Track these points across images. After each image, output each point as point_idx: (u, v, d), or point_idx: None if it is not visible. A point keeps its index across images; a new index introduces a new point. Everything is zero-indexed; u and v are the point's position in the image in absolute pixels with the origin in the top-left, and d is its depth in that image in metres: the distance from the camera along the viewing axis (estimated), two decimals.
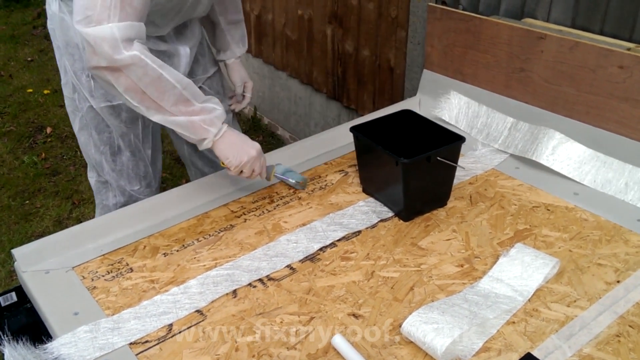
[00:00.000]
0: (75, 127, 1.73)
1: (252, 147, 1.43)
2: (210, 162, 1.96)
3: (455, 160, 1.42)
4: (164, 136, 3.45)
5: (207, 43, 1.86)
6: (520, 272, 1.20)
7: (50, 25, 1.60)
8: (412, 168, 1.34)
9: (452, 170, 1.43)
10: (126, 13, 1.25)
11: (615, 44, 1.57)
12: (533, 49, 1.64)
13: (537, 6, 1.81)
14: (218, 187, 1.55)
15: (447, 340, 1.02)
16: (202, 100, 1.38)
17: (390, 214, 1.43)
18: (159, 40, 1.59)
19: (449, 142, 1.41)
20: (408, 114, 1.58)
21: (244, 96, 1.91)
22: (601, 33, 1.67)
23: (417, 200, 1.40)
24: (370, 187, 1.51)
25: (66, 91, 1.66)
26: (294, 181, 1.54)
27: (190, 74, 1.76)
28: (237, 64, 1.90)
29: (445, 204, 1.46)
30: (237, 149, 1.41)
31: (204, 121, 1.37)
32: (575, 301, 1.16)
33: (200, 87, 1.81)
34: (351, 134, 1.49)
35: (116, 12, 1.24)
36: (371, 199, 1.49)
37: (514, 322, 1.11)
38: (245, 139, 1.45)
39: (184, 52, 1.64)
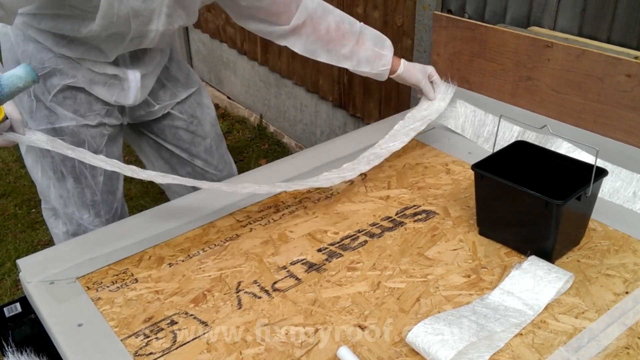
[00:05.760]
0: (22, 149, 1.65)
1: None
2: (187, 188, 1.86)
3: (596, 195, 1.32)
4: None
5: (180, 67, 1.76)
6: (532, 286, 1.19)
7: None
8: (563, 209, 1.22)
9: (592, 207, 1.34)
10: None
11: (623, 52, 1.56)
12: (540, 57, 1.64)
13: (543, 14, 1.80)
14: (224, 196, 1.55)
15: (451, 352, 1.01)
16: None
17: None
18: (107, 64, 1.51)
19: (579, 172, 1.31)
20: (523, 145, 1.44)
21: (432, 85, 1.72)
22: (608, 41, 1.67)
23: (564, 240, 1.30)
24: (494, 230, 1.37)
25: None
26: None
27: (155, 99, 1.69)
28: (408, 65, 1.70)
29: (579, 243, 1.35)
30: None
31: None
32: (583, 312, 1.15)
33: (169, 113, 1.74)
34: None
35: None
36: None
37: (521, 334, 1.10)
38: None
39: (133, 77, 1.56)
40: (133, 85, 1.56)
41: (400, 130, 1.68)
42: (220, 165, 1.88)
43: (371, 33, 1.67)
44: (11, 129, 1.16)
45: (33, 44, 1.47)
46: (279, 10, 1.55)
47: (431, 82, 1.74)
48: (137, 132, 1.82)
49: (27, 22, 1.45)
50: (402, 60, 1.72)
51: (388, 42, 1.69)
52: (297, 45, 1.63)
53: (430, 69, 1.73)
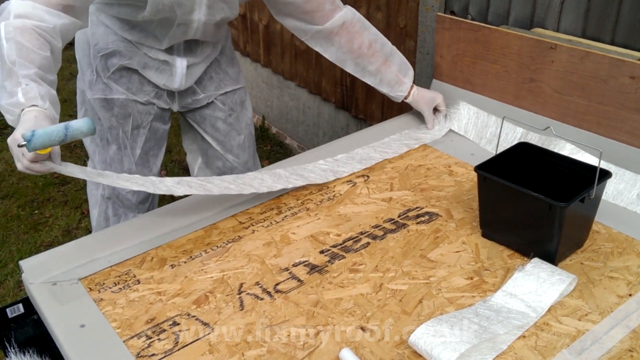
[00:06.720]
0: (80, 116, 1.83)
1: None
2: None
3: (600, 197, 1.32)
4: (173, 145, 3.46)
5: (232, 63, 1.91)
6: (535, 288, 1.18)
7: None
8: (567, 211, 1.22)
9: (595, 209, 1.33)
10: None
11: (627, 54, 1.55)
12: (543, 59, 1.63)
13: (546, 16, 1.80)
14: (226, 198, 1.55)
15: (453, 355, 1.01)
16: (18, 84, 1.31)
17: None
18: (161, 51, 1.70)
19: (582, 174, 1.30)
20: (526, 147, 1.43)
21: (436, 110, 1.88)
22: (612, 43, 1.66)
23: (567, 243, 1.29)
24: (497, 231, 1.36)
25: (79, 84, 1.81)
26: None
27: (202, 89, 1.86)
28: (416, 95, 1.86)
29: (582, 245, 1.35)
30: None
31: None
32: (586, 315, 1.14)
33: (212, 102, 1.90)
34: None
35: None
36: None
37: (524, 337, 1.09)
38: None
39: (180, 64, 1.74)
40: (179, 71, 1.74)
41: (394, 143, 1.80)
42: (250, 163, 2.03)
43: (399, 58, 1.85)
44: (49, 158, 1.27)
45: (102, 28, 1.69)
46: (313, 9, 1.71)
47: (437, 110, 1.88)
48: (185, 122, 1.99)
49: (100, 9, 1.68)
50: (414, 89, 1.86)
51: (411, 72, 1.87)
52: (329, 53, 1.81)
53: (439, 99, 1.86)
